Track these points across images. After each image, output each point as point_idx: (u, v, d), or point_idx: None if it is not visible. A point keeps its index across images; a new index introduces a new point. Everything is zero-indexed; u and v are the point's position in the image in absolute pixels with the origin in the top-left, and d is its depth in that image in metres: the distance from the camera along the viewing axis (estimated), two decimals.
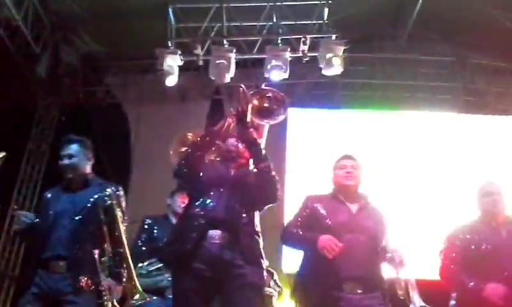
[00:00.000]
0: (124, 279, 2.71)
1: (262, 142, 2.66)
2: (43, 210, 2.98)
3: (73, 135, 3.11)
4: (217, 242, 2.41)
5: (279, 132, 6.92)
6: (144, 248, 3.50)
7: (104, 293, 2.61)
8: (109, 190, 2.91)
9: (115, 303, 2.66)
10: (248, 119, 2.51)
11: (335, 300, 2.70)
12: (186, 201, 2.77)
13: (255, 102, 2.59)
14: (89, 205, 2.90)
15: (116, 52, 6.81)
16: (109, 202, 2.86)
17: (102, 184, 3.03)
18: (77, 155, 3.01)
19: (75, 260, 2.77)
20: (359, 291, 2.74)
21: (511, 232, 3.12)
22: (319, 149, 6.92)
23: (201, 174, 2.58)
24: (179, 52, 5.78)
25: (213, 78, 5.89)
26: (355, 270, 2.75)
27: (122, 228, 2.82)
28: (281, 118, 2.64)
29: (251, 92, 2.62)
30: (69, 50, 6.49)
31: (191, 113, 7.27)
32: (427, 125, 7.14)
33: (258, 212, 2.62)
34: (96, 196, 2.91)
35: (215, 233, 2.42)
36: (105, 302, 2.60)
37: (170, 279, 2.77)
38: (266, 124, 2.66)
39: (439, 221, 5.98)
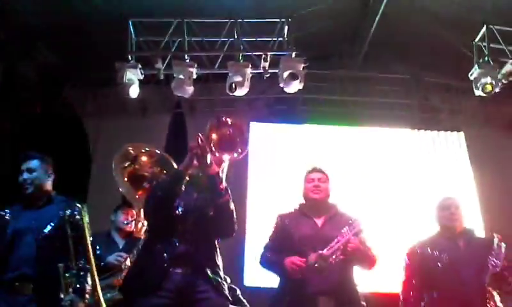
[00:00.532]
0: (87, 295, 2.66)
1: (223, 173, 2.65)
2: None
3: (33, 151, 3.04)
4: (180, 272, 2.42)
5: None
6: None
7: None
8: (77, 206, 2.89)
9: None
10: (208, 160, 2.50)
11: None
12: (133, 226, 2.76)
13: (214, 136, 2.58)
14: (56, 221, 2.83)
15: (74, 65, 6.69)
16: (77, 217, 2.82)
17: (67, 200, 2.98)
18: (37, 170, 2.96)
19: (42, 279, 2.69)
20: (331, 306, 2.77)
21: (467, 243, 3.25)
22: (280, 163, 7.05)
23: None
24: (139, 65, 5.74)
25: (175, 93, 5.87)
26: (326, 285, 2.79)
27: (88, 243, 2.77)
28: (243, 149, 2.63)
29: (211, 124, 2.60)
30: (26, 62, 6.32)
31: (152, 127, 7.22)
32: (385, 140, 7.39)
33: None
34: (62, 212, 2.85)
35: (178, 269, 2.44)
36: None
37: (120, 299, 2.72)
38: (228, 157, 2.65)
39: (398, 235, 6.17)
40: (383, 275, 4.38)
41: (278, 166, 7.05)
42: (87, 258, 2.77)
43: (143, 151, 3.01)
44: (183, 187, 2.55)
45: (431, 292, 3.13)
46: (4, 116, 6.82)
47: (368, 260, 2.98)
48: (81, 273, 2.72)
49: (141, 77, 5.81)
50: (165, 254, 2.45)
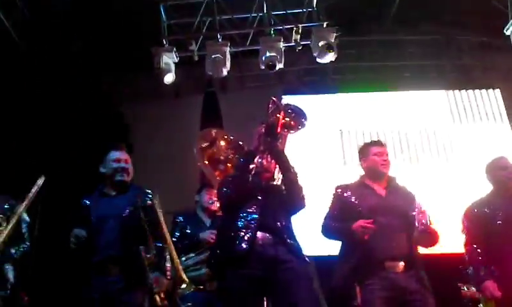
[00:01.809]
0: (169, 273, 2.83)
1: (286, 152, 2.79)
2: (82, 217, 3.05)
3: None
4: (265, 242, 2.56)
5: None
6: (179, 244, 3.62)
7: (153, 286, 2.75)
8: (149, 192, 3.08)
9: (162, 295, 2.78)
10: (278, 132, 2.62)
11: (379, 279, 2.84)
12: (217, 204, 2.89)
13: (282, 116, 2.73)
14: (132, 207, 3.01)
15: (107, 51, 6.79)
16: (149, 203, 3.01)
17: (140, 188, 3.18)
18: (129, 161, 3.17)
19: (127, 260, 2.87)
20: (399, 269, 2.88)
21: None
22: (315, 134, 7.07)
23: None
24: (175, 49, 5.81)
25: (210, 73, 5.94)
26: (393, 250, 2.90)
27: (163, 225, 2.94)
28: (302, 128, 2.85)
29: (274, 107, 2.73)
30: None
31: (186, 108, 7.34)
32: (419, 103, 7.34)
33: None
34: (136, 199, 3.02)
35: (261, 235, 2.58)
36: (155, 295, 2.71)
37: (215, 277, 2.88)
38: (289, 135, 2.81)
39: (444, 197, 6.18)
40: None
41: (312, 137, 7.09)
42: (163, 238, 2.94)
43: (221, 136, 3.17)
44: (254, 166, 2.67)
45: (492, 248, 3.21)
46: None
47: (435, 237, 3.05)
48: (160, 253, 2.90)
49: (177, 60, 5.89)
50: (247, 223, 2.59)
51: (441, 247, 3.27)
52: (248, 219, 2.59)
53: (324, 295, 4.70)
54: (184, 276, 2.88)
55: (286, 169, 2.70)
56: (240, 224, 2.58)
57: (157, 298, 2.72)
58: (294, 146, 6.76)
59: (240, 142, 3.13)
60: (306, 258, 2.70)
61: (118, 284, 2.85)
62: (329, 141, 7.12)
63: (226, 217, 2.81)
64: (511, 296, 3.08)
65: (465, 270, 3.48)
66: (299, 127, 2.83)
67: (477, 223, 3.35)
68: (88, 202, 3.13)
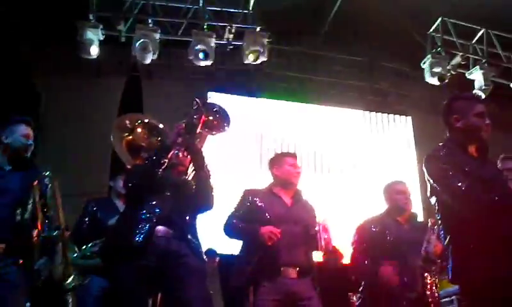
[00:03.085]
0: (58, 258, 2.69)
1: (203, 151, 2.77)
2: None
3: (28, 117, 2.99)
4: (164, 236, 2.50)
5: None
6: (87, 230, 3.51)
7: (40, 272, 2.60)
8: (49, 173, 2.87)
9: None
10: (198, 131, 2.61)
11: (274, 283, 2.98)
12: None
13: (205, 115, 2.69)
14: (27, 186, 2.80)
15: (28, 20, 6.36)
16: (47, 184, 2.84)
17: (38, 167, 2.96)
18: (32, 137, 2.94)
19: (14, 242, 2.67)
20: (294, 275, 3.03)
21: (411, 226, 3.53)
22: (236, 135, 7.11)
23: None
24: (101, 26, 5.56)
25: (136, 57, 5.75)
26: (291, 257, 3.05)
27: (60, 209, 2.77)
28: (223, 132, 2.82)
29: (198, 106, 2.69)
30: None
31: (106, 88, 7.05)
32: (338, 119, 7.65)
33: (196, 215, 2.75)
34: (35, 178, 2.83)
35: (162, 228, 2.51)
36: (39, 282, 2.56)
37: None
38: (210, 135, 2.79)
39: (344, 211, 6.46)
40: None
41: (233, 138, 7.12)
42: (59, 222, 2.79)
43: (139, 122, 3.03)
44: (166, 160, 2.60)
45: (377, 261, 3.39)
46: None
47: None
48: (52, 239, 2.73)
49: (102, 38, 5.64)
50: (148, 216, 2.51)
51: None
52: (151, 211, 2.52)
53: (221, 292, 4.77)
54: (71, 270, 2.72)
55: (200, 166, 2.65)
56: (142, 216, 2.50)
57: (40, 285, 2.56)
58: (213, 144, 6.86)
59: (161, 126, 3.05)
60: (204, 257, 2.70)
61: (2, 263, 2.63)
62: (248, 143, 7.18)
63: (129, 207, 2.73)
64: None
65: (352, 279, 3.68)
66: (221, 130, 2.80)
67: (367, 238, 3.52)
68: None
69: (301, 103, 7.62)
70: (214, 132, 2.78)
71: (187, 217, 2.64)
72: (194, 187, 2.66)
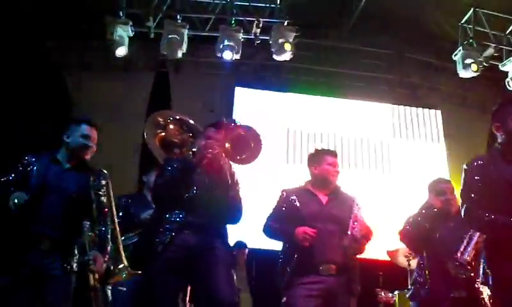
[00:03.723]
0: (107, 254, 2.78)
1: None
2: (22, 175, 2.84)
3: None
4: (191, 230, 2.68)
5: (226, 108, 7.04)
6: (120, 224, 3.59)
7: (91, 263, 2.68)
8: (105, 172, 2.97)
9: (96, 276, 2.69)
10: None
11: (312, 281, 3.02)
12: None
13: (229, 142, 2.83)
14: (83, 185, 2.89)
15: (57, 16, 6.48)
16: (104, 183, 2.93)
17: (95, 168, 3.03)
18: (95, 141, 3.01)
19: (63, 238, 2.76)
20: (332, 272, 3.04)
21: (457, 222, 3.34)
22: (262, 130, 7.10)
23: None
24: (131, 22, 5.63)
25: (164, 53, 5.81)
26: (328, 255, 3.06)
27: (112, 205, 2.89)
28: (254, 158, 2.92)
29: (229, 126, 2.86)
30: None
31: (135, 84, 7.16)
32: (366, 113, 7.56)
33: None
34: (92, 177, 2.92)
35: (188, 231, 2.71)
36: (90, 274, 2.66)
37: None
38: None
39: (375, 206, 6.40)
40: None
41: (260, 131, 7.12)
42: (112, 220, 2.87)
43: (171, 119, 3.09)
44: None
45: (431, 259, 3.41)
46: None
47: (368, 237, 3.30)
48: (104, 233, 2.81)
49: (131, 34, 5.71)
50: (174, 221, 2.67)
51: (364, 253, 3.44)
52: (174, 217, 2.68)
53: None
54: (124, 260, 2.79)
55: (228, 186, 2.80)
56: (166, 225, 2.67)
57: (91, 277, 2.63)
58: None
59: (192, 122, 3.10)
60: (231, 249, 2.86)
61: (50, 259, 2.70)
62: (275, 138, 7.17)
63: (156, 210, 2.84)
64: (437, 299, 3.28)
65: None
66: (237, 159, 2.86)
67: (417, 230, 3.50)
68: (33, 160, 2.88)
69: (328, 97, 7.57)
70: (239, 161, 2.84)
71: (216, 224, 2.77)
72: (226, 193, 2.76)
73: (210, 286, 2.58)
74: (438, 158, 7.45)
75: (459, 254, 3.10)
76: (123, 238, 3.40)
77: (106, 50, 6.15)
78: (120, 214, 3.68)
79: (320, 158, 3.35)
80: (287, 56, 5.90)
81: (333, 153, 3.40)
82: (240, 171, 3.01)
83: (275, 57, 6.03)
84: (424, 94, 7.82)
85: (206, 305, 2.65)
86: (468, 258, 3.07)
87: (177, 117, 3.14)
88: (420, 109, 7.80)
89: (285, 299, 3.12)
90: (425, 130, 7.70)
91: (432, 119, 7.77)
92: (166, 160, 2.95)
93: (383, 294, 5.10)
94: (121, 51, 5.63)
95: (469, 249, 3.09)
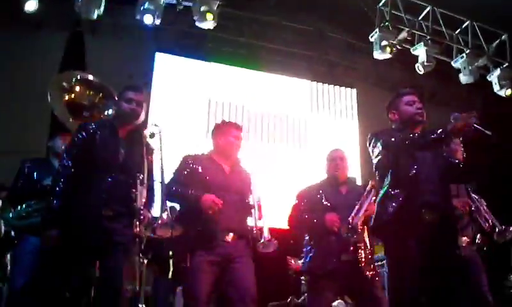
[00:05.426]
0: None
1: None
2: None
3: None
4: None
5: (146, 74, 6.82)
6: (22, 191, 3.44)
7: None
8: None
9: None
10: None
11: (214, 246, 3.14)
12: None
13: None
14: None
15: None
16: None
17: None
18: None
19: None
20: (229, 239, 3.20)
21: (349, 191, 3.74)
22: (183, 98, 7.01)
23: None
24: None
25: (79, 12, 5.47)
26: (228, 223, 3.19)
27: None
28: None
29: None
30: None
31: (47, 44, 6.70)
32: (284, 87, 7.68)
33: None
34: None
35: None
36: None
37: None
38: None
39: (290, 179, 6.59)
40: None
41: (180, 101, 7.02)
42: None
43: (77, 80, 2.87)
44: None
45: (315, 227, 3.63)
46: None
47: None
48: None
49: None
50: None
51: (276, 222, 3.70)
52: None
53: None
54: None
55: None
56: None
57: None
58: (160, 105, 6.71)
59: (100, 81, 2.94)
60: None
61: None
62: (196, 107, 7.09)
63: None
64: (326, 268, 3.50)
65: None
66: None
67: (306, 201, 3.74)
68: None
69: (249, 70, 7.58)
70: None
71: None
72: None
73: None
74: (351, 134, 7.78)
75: (350, 219, 3.38)
76: (24, 205, 3.26)
77: (14, 3, 5.68)
78: (21, 180, 3.54)
79: (226, 130, 3.44)
80: (209, 25, 5.79)
81: (239, 127, 3.51)
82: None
83: (198, 24, 5.90)
84: (341, 72, 8.07)
85: None
86: (359, 222, 3.36)
87: (84, 77, 2.95)
88: (337, 87, 8.06)
89: (186, 263, 3.18)
90: (341, 107, 8.00)
91: (348, 97, 8.08)
92: (81, 126, 2.79)
93: (293, 262, 5.38)
94: (30, 5, 5.21)
95: (360, 214, 3.36)
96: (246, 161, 3.55)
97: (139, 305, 4.46)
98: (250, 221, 3.37)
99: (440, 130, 2.83)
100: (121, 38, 6.95)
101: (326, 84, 7.98)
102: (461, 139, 3.61)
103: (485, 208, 4.41)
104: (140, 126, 2.96)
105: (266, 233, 3.28)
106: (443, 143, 3.01)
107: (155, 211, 2.98)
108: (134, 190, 2.71)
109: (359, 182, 4.88)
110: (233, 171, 3.39)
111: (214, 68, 7.42)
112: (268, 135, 7.35)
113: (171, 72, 7.09)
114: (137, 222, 2.69)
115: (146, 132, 2.92)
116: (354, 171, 6.72)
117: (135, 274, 3.60)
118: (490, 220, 4.37)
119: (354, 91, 8.17)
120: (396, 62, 7.35)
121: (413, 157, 2.95)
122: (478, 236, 4.34)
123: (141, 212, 2.69)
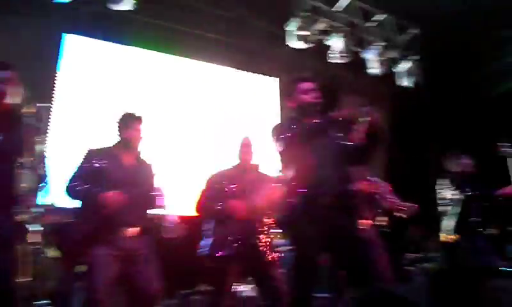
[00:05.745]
0: None
1: None
2: None
3: None
4: None
5: (54, 55, 6.46)
6: None
7: None
8: None
9: None
10: None
11: (115, 241, 3.15)
12: None
13: None
14: None
15: None
16: None
17: None
18: None
19: None
20: (132, 234, 3.21)
21: (254, 177, 3.87)
22: (98, 83, 6.71)
23: None
24: None
25: None
26: (130, 218, 3.20)
27: None
28: None
29: None
30: None
31: None
32: (208, 75, 7.57)
33: None
34: None
35: None
36: None
37: None
38: None
39: (203, 165, 6.51)
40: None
41: (94, 85, 6.71)
42: None
43: None
44: None
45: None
46: None
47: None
48: None
49: None
50: None
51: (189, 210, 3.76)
52: None
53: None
54: None
55: None
56: None
57: None
58: (69, 86, 6.37)
59: None
60: None
61: None
62: (111, 92, 6.81)
63: None
64: (228, 253, 3.59)
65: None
66: None
67: (214, 187, 3.83)
68: None
69: (169, 55, 7.39)
70: None
71: None
72: None
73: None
74: (273, 124, 7.77)
75: (253, 205, 3.53)
76: None
77: None
78: None
79: (129, 123, 3.45)
80: (125, 6, 5.57)
81: (140, 119, 3.50)
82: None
83: (111, 6, 5.66)
84: (262, 61, 8.04)
85: None
86: (262, 207, 3.52)
87: None
88: (259, 75, 8.06)
89: (87, 258, 3.15)
90: (263, 97, 8.01)
91: (269, 86, 8.10)
92: None
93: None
94: None
95: (262, 200, 3.51)
96: (152, 151, 3.60)
97: (41, 301, 4.33)
98: (156, 212, 3.40)
99: (328, 117, 2.94)
100: (26, 16, 6.51)
101: (248, 72, 7.94)
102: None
103: (386, 189, 4.63)
104: (16, 107, 2.77)
105: (170, 218, 3.32)
106: (332, 129, 3.10)
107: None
108: (9, 176, 2.54)
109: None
110: (135, 164, 3.41)
111: (132, 51, 7.16)
112: (187, 122, 7.21)
113: (83, 55, 6.74)
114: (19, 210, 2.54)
115: (26, 110, 2.73)
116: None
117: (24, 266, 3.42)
118: (392, 201, 4.61)
119: (277, 80, 8.20)
120: (314, 51, 7.41)
121: (310, 145, 3.04)
122: (379, 216, 4.56)
123: (22, 198, 2.53)
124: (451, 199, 4.74)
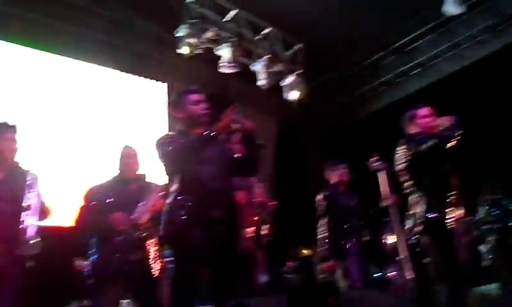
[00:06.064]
0: None
1: None
2: None
3: None
4: None
5: None
6: None
7: None
8: None
9: None
10: None
11: None
12: None
13: None
14: None
15: None
16: None
17: None
18: None
19: None
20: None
21: (138, 188, 3.79)
22: None
23: None
24: None
25: None
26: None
27: None
28: None
29: None
30: None
31: None
32: (91, 76, 7.16)
33: None
34: None
35: None
36: None
37: None
38: None
39: (81, 175, 6.13)
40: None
41: None
42: None
43: None
44: None
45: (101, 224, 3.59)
46: None
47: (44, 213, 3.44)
48: None
49: None
50: None
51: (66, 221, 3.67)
52: None
53: None
54: None
55: None
56: None
57: None
58: None
59: None
60: None
61: None
62: None
63: None
64: (109, 270, 3.50)
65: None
66: None
67: (95, 199, 3.72)
68: None
69: (47, 53, 6.82)
70: None
71: None
72: None
73: None
74: (160, 130, 7.59)
75: (136, 216, 3.41)
76: None
77: None
78: None
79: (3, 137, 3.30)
80: None
81: (13, 128, 3.32)
82: None
83: None
84: (151, 65, 7.82)
85: None
86: (144, 219, 3.45)
87: None
88: (147, 79, 7.83)
89: None
90: (150, 101, 7.79)
91: (157, 91, 7.90)
92: None
93: (78, 263, 5.02)
94: None
95: (146, 211, 3.42)
96: (27, 160, 3.39)
97: None
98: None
99: (212, 130, 2.95)
100: None
101: (134, 75, 7.66)
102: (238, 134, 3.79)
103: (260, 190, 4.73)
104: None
105: (29, 234, 3.09)
106: (218, 141, 3.10)
107: None
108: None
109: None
110: (6, 178, 3.22)
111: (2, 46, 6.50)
112: (69, 126, 6.73)
113: None
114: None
115: None
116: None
117: None
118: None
119: (165, 85, 8.03)
120: (207, 60, 7.37)
121: (197, 158, 3.02)
122: (264, 227, 4.65)
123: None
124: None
